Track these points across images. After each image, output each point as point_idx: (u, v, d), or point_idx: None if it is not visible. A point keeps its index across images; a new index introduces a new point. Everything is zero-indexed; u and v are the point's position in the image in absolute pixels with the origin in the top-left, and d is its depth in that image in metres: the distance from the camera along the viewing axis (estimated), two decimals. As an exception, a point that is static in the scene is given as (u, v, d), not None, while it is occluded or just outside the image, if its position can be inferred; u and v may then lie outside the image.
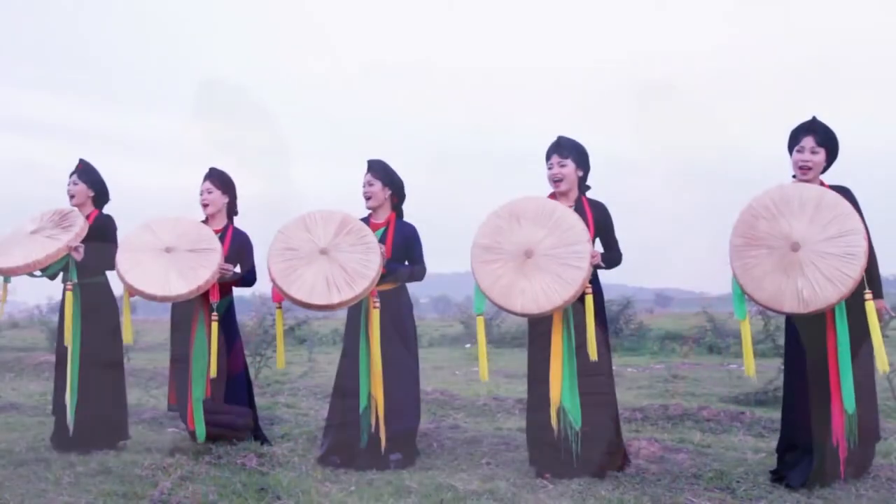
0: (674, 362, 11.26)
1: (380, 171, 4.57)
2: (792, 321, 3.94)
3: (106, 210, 5.04)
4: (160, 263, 4.59)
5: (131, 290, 4.52)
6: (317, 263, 4.26)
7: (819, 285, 3.57)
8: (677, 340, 13.72)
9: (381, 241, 4.47)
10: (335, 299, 4.11)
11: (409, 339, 4.56)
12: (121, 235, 4.88)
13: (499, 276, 4.01)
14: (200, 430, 4.75)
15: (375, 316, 4.37)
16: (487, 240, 4.10)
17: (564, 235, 3.98)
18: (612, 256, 4.24)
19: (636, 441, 4.67)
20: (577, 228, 4.00)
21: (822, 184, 3.93)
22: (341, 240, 4.33)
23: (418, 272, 4.60)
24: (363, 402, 4.37)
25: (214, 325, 4.67)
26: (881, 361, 3.57)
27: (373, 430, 4.35)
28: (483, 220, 4.17)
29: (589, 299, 3.99)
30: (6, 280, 4.68)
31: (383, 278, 4.38)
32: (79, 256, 4.69)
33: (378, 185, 4.55)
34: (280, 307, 4.56)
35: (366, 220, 4.62)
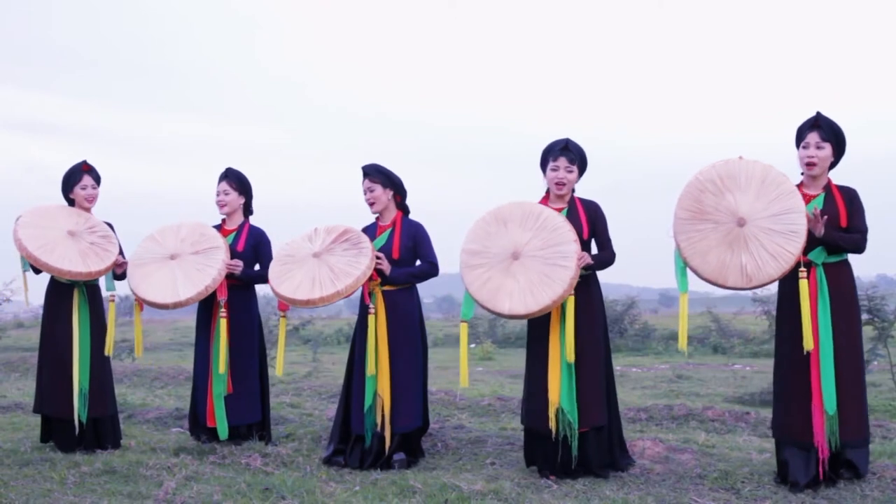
0: (678, 362, 11.25)
1: (377, 175, 4.53)
2: (782, 319, 3.90)
3: (110, 211, 5.07)
4: (166, 271, 4.64)
5: (144, 303, 4.63)
6: (308, 265, 4.40)
7: (762, 261, 3.61)
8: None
9: (389, 242, 4.47)
10: (316, 295, 4.25)
11: (416, 340, 4.53)
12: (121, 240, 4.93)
13: (487, 279, 4.04)
14: (222, 428, 4.75)
15: (381, 316, 4.40)
16: (475, 245, 4.14)
17: (550, 236, 3.98)
18: (603, 257, 4.19)
19: (641, 441, 4.66)
20: (563, 230, 3.98)
21: (829, 183, 3.89)
22: (336, 246, 4.42)
23: (423, 271, 4.53)
24: (367, 401, 4.38)
25: (223, 322, 4.68)
26: (807, 339, 3.63)
27: (378, 429, 4.36)
28: (470, 227, 4.21)
29: (570, 300, 3.96)
30: (25, 268, 4.64)
31: (385, 282, 4.41)
32: (120, 270, 4.78)
33: (378, 188, 4.52)
34: (284, 316, 4.69)
35: (373, 225, 4.61)
